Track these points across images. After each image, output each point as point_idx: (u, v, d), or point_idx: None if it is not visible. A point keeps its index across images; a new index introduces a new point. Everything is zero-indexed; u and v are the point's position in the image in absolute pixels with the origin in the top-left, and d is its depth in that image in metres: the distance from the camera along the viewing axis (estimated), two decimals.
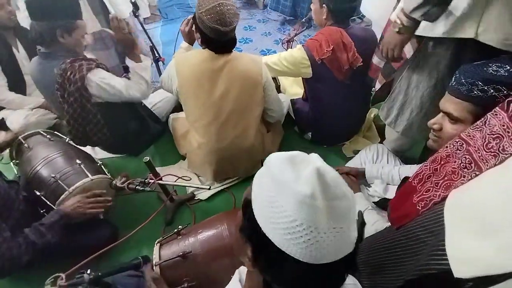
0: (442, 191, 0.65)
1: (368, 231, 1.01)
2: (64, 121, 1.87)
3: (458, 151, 0.65)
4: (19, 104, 1.80)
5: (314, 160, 0.43)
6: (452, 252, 0.52)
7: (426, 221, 0.63)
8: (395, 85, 1.23)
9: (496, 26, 0.88)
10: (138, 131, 1.66)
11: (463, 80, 0.75)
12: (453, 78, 0.79)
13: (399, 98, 1.21)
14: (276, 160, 0.44)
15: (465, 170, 0.62)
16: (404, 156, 1.46)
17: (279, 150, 1.71)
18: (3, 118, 1.78)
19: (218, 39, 1.22)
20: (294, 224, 0.38)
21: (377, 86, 1.34)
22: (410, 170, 1.14)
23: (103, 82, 1.34)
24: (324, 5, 1.41)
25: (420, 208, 0.67)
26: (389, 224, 1.02)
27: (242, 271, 0.62)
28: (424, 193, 0.68)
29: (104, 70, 1.38)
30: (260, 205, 0.43)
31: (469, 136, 0.64)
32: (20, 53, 1.78)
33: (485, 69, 0.73)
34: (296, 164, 0.42)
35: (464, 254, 0.50)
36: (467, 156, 0.62)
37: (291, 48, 1.95)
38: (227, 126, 1.38)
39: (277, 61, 1.51)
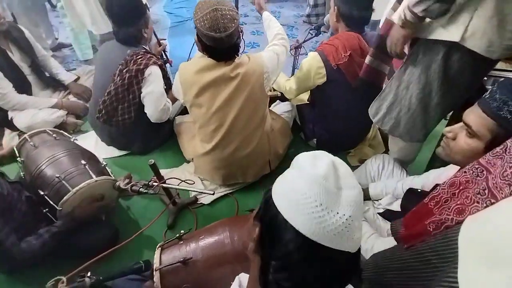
0: (455, 215, 0.63)
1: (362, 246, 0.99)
2: (69, 120, 1.90)
3: (478, 178, 0.63)
4: (33, 105, 1.81)
5: (332, 156, 0.49)
6: (465, 281, 0.51)
7: (438, 245, 0.61)
8: (386, 85, 1.23)
9: (482, 33, 0.88)
10: (154, 128, 1.70)
11: (497, 96, 0.70)
12: (489, 91, 0.74)
13: (389, 97, 1.21)
14: (301, 156, 0.51)
15: (478, 196, 0.60)
16: (409, 167, 1.45)
17: (286, 154, 1.71)
18: (11, 118, 1.79)
19: (216, 46, 1.20)
20: (304, 196, 0.44)
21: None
22: (412, 181, 1.13)
23: (150, 78, 1.51)
24: (335, 7, 1.40)
25: (431, 230, 0.66)
26: (384, 238, 1.01)
27: (241, 277, 0.62)
28: (437, 216, 0.67)
29: (160, 72, 1.56)
30: (278, 187, 0.49)
31: (490, 163, 0.62)
32: (15, 56, 1.76)
33: None
34: (316, 158, 0.48)
35: (476, 284, 0.49)
36: (483, 183, 0.60)
37: (299, 54, 1.95)
38: (232, 132, 1.38)
39: (295, 82, 1.53)
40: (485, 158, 0.64)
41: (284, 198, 0.46)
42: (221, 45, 1.19)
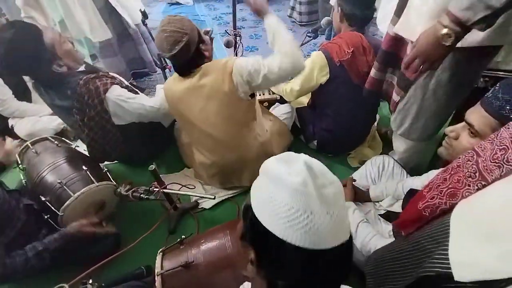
0: (447, 198, 0.64)
1: (364, 245, 1.00)
2: (68, 127, 1.91)
3: (469, 162, 0.64)
4: (33, 113, 1.82)
5: (303, 156, 0.48)
6: (455, 255, 0.52)
7: (434, 231, 0.62)
8: (407, 95, 1.21)
9: None
10: (152, 139, 1.69)
11: (500, 95, 0.70)
12: (491, 90, 0.74)
13: (413, 108, 1.20)
14: (270, 163, 0.49)
15: (470, 179, 0.61)
16: (410, 167, 1.44)
17: None
18: (12, 126, 1.80)
19: (173, 63, 1.25)
20: (291, 211, 0.43)
21: (396, 98, 1.28)
22: (412, 182, 1.13)
23: (119, 99, 1.36)
24: (339, 8, 1.44)
25: (427, 215, 0.67)
26: (386, 239, 1.01)
27: (246, 286, 0.62)
28: (429, 200, 0.68)
29: (119, 87, 1.39)
30: (260, 204, 0.47)
31: (481, 147, 0.63)
32: None
33: None
34: (287, 162, 0.47)
35: (466, 258, 0.51)
36: (473, 166, 0.61)
37: None
38: (215, 139, 1.37)
39: (298, 83, 1.54)
40: (479, 144, 0.65)
41: (270, 215, 0.44)
42: (174, 62, 1.25)
